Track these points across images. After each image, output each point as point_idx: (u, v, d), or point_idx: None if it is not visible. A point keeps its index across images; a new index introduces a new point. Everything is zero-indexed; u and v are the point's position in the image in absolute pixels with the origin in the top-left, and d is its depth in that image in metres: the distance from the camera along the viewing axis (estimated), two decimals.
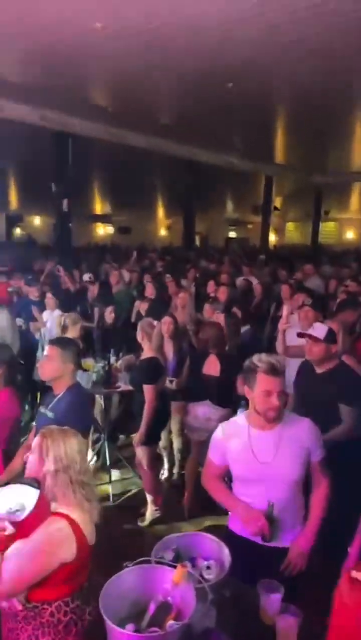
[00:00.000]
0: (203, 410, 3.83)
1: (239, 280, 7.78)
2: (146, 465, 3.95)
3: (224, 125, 11.41)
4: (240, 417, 2.35)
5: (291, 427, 2.22)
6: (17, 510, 1.74)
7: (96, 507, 1.89)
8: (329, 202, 22.29)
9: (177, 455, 4.78)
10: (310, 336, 3.10)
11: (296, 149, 15.21)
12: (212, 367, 3.90)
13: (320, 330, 3.08)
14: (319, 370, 3.14)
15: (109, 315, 5.51)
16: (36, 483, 1.83)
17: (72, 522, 1.78)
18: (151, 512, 3.99)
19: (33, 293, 6.31)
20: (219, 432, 2.33)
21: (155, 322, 4.19)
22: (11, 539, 1.79)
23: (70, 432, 1.94)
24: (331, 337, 3.07)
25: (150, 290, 6.50)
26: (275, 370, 2.13)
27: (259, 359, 2.18)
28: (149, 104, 9.63)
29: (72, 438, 1.90)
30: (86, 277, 7.65)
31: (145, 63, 7.20)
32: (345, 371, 3.14)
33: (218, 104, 9.35)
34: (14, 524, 1.79)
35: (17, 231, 24.12)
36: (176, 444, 4.74)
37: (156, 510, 4.00)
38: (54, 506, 1.84)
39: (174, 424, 4.66)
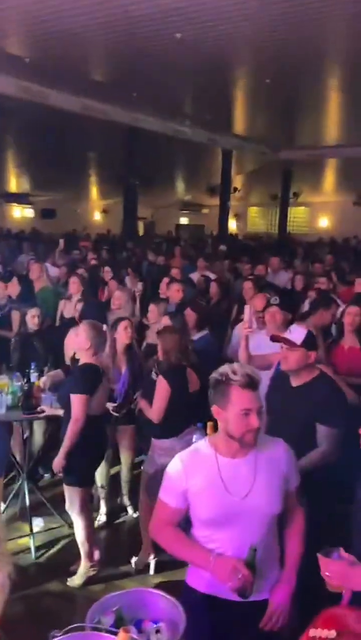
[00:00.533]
0: (183, 442, 3.66)
1: (194, 276, 7.86)
2: (77, 511, 3.89)
3: (173, 85, 11.54)
4: (202, 444, 2.32)
5: (266, 450, 2.24)
6: None
7: (7, 569, 1.81)
8: (299, 184, 23.03)
9: (128, 491, 4.85)
10: (286, 341, 3.10)
11: (260, 117, 15.61)
12: (194, 381, 3.92)
13: (297, 333, 3.11)
14: (295, 382, 3.16)
15: (32, 319, 5.39)
16: None
17: None
18: (84, 568, 3.93)
19: None
20: (176, 466, 2.27)
21: (104, 327, 4.14)
22: None
23: None
24: (310, 342, 3.10)
25: (74, 288, 6.44)
26: (253, 384, 2.13)
27: (232, 371, 2.14)
28: (78, 54, 9.59)
29: None
30: None
31: (73, 2, 7.18)
32: (326, 384, 3.18)
33: (163, 59, 9.46)
34: None
35: None
36: (126, 476, 4.82)
37: (92, 566, 3.95)
38: None
39: (123, 455, 4.71)
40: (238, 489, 2.17)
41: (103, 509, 4.78)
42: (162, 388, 3.82)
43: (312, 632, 1.22)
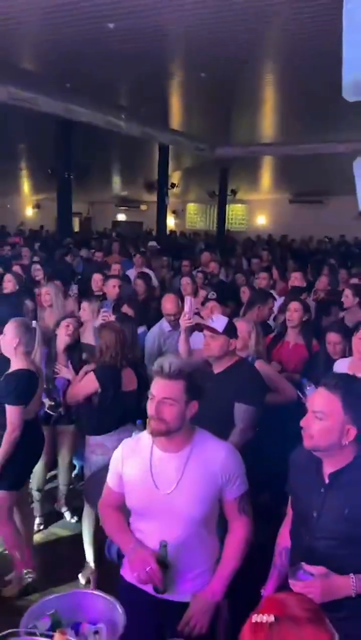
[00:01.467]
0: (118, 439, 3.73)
1: (131, 273, 7.86)
2: (4, 518, 3.76)
3: (108, 77, 11.47)
4: (143, 436, 2.35)
5: (203, 451, 2.24)
6: None
7: None
8: (237, 180, 23.40)
9: (65, 494, 4.84)
10: (209, 328, 3.27)
11: (196, 113, 15.73)
12: (129, 381, 3.93)
13: (219, 321, 3.27)
14: (217, 369, 3.31)
15: None
16: None
17: None
18: (18, 577, 3.85)
19: None
20: (118, 451, 2.36)
21: (33, 324, 4.03)
22: None
23: None
24: (231, 329, 3.27)
25: (10, 285, 6.29)
26: (162, 372, 2.16)
27: (157, 361, 2.22)
28: (7, 41, 9.36)
29: None
30: None
31: None
32: (244, 367, 3.35)
33: (96, 49, 9.38)
34: None
35: None
36: (64, 478, 4.81)
37: (27, 573, 3.86)
38: None
39: (62, 457, 4.71)
40: (165, 483, 2.20)
41: (38, 512, 4.71)
42: (89, 382, 3.86)
43: (254, 617, 1.24)
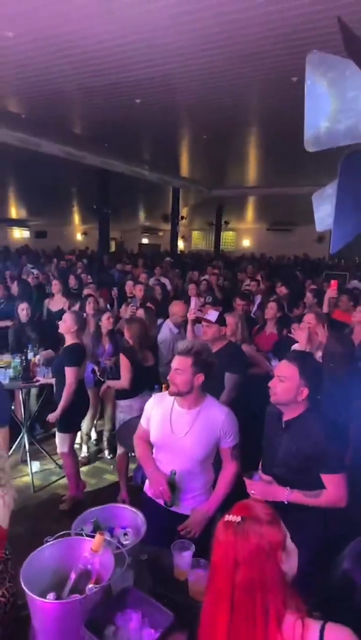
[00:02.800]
0: (141, 401, 3.67)
1: (152, 281, 7.84)
2: (66, 452, 3.83)
3: (134, 138, 11.43)
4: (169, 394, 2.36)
5: (209, 411, 2.24)
6: None
7: (10, 492, 1.79)
8: (229, 213, 23.27)
9: (108, 439, 4.84)
10: (205, 319, 3.33)
11: (199, 164, 15.65)
12: (149, 358, 3.92)
13: (212, 315, 3.32)
14: (213, 349, 3.30)
15: (22, 311, 5.26)
16: None
17: None
18: (71, 496, 3.89)
19: None
20: (150, 401, 2.39)
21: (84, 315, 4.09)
22: None
23: None
24: (221, 320, 3.32)
25: (55, 288, 6.28)
26: (180, 351, 2.20)
27: (179, 343, 2.27)
28: (62, 113, 9.34)
29: None
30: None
31: (56, 72, 6.97)
32: (231, 347, 3.39)
33: (127, 118, 9.34)
34: None
35: None
36: (108, 428, 4.82)
37: (77, 494, 3.91)
38: None
39: (106, 412, 4.74)
40: (179, 429, 2.22)
41: (85, 451, 4.73)
42: (124, 363, 3.81)
43: (226, 517, 1.24)
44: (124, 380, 3.81)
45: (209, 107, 8.37)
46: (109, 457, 4.77)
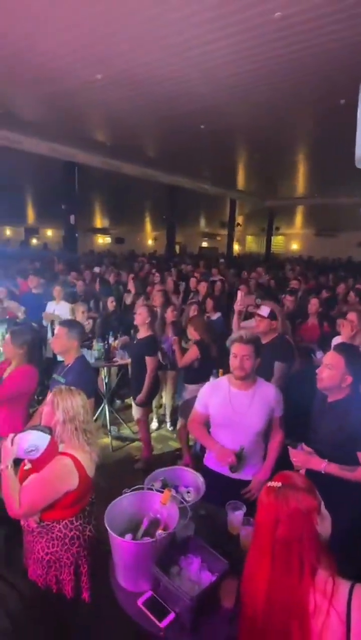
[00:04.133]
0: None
1: (211, 280, 7.79)
2: (142, 422, 3.93)
3: (198, 158, 11.38)
4: (222, 380, 2.35)
5: (261, 390, 2.24)
6: (32, 451, 1.76)
7: (95, 450, 1.90)
8: (279, 220, 22.50)
9: (170, 413, 4.84)
10: (258, 314, 3.23)
11: (253, 179, 15.27)
12: (213, 351, 3.83)
13: (264, 310, 3.21)
14: (264, 340, 3.23)
15: (110, 304, 5.46)
16: (48, 430, 1.84)
17: (75, 460, 1.80)
18: (144, 458, 3.97)
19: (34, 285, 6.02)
20: (206, 388, 2.36)
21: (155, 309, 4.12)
22: (28, 473, 1.83)
23: (75, 391, 1.94)
24: (272, 315, 3.19)
25: (131, 285, 6.43)
26: (241, 339, 2.18)
27: (237, 333, 2.23)
28: (139, 140, 9.52)
29: (77, 395, 1.91)
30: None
31: (134, 107, 7.11)
32: (281, 340, 3.27)
33: (193, 142, 9.31)
34: (30, 461, 1.82)
35: (34, 241, 23.63)
36: (169, 404, 4.80)
37: (149, 456, 3.99)
38: (61, 447, 1.86)
39: (167, 390, 4.70)
40: (240, 408, 2.21)
41: (155, 421, 4.84)
42: (193, 352, 3.77)
43: (268, 484, 1.24)
44: (182, 361, 3.78)
45: (263, 128, 8.14)
46: (170, 428, 4.81)
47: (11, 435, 1.79)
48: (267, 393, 2.24)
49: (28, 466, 1.83)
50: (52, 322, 5.53)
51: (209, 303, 5.07)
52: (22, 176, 12.56)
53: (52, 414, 1.86)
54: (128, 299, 6.16)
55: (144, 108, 7.14)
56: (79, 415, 1.86)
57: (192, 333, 3.87)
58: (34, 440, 1.75)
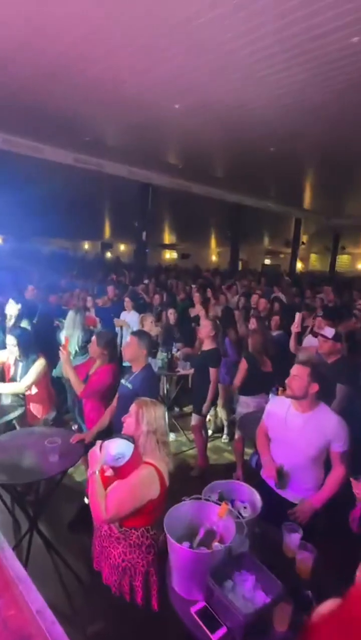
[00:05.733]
0: (256, 400, 3.62)
1: (273, 297, 7.62)
2: (199, 430, 3.93)
3: (265, 179, 11.27)
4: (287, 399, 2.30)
5: (319, 417, 2.13)
6: (119, 458, 1.78)
7: (171, 460, 1.93)
8: (345, 239, 21.38)
9: (225, 423, 4.78)
10: (322, 335, 3.12)
11: (320, 197, 14.72)
12: (267, 365, 3.79)
13: (329, 331, 3.12)
14: (329, 360, 3.12)
15: (171, 315, 5.53)
16: (131, 438, 1.87)
17: (157, 470, 1.82)
18: (199, 466, 3.96)
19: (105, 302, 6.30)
20: (270, 402, 2.38)
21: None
22: (110, 479, 1.86)
23: (157, 403, 1.96)
24: (337, 337, 3.09)
25: (197, 299, 6.45)
26: (299, 360, 2.13)
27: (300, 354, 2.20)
28: (208, 162, 9.69)
29: (159, 408, 1.94)
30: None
31: (207, 132, 7.27)
32: (344, 361, 3.13)
33: (261, 164, 9.26)
34: (114, 468, 1.84)
35: (108, 254, 24.96)
36: (223, 415, 4.75)
37: (204, 465, 3.97)
38: (144, 457, 1.88)
39: (220, 401, 4.66)
40: (293, 429, 2.14)
41: (210, 430, 4.76)
42: (242, 365, 3.73)
43: None
44: (237, 378, 3.75)
45: (333, 147, 7.84)
46: (225, 440, 4.72)
47: (99, 441, 1.85)
48: (325, 422, 2.10)
49: (109, 473, 1.86)
50: (120, 328, 5.80)
51: (275, 320, 4.95)
52: (101, 196, 13.39)
53: (136, 425, 1.89)
54: (193, 312, 6.22)
55: (216, 133, 7.28)
56: (161, 427, 1.90)
57: (250, 345, 3.83)
58: (121, 448, 1.78)
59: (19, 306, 4.95)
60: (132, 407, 1.96)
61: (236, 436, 3.94)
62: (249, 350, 3.83)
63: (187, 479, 3.81)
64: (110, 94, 5.74)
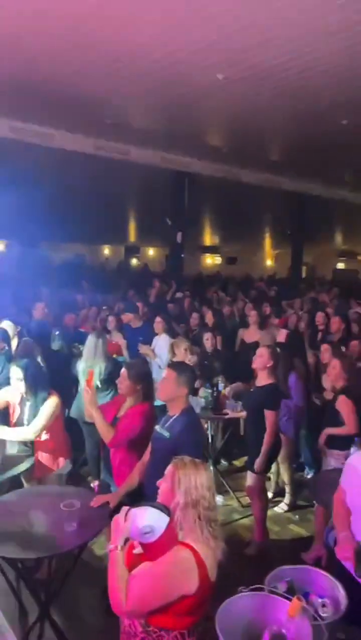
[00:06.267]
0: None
1: (351, 313, 7.45)
2: (257, 493, 3.86)
3: (336, 159, 11.18)
4: None
5: None
6: (147, 533, 1.75)
7: (220, 545, 1.85)
8: None
9: (287, 488, 4.66)
10: None
11: None
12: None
13: None
14: None
15: (206, 341, 5.43)
16: (167, 509, 1.83)
17: (196, 555, 1.76)
18: (257, 542, 3.87)
19: (134, 322, 6.14)
20: (352, 457, 2.33)
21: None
22: (138, 558, 1.84)
23: (201, 466, 1.92)
24: None
25: (253, 319, 6.34)
26: None
27: None
28: (262, 142, 9.82)
29: (203, 473, 1.89)
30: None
31: (259, 105, 7.40)
32: None
33: (331, 141, 9.23)
34: (142, 545, 1.81)
35: (134, 261, 25.59)
36: (285, 476, 4.63)
37: (263, 540, 3.88)
38: (181, 535, 1.82)
39: (281, 455, 4.53)
40: None
41: (270, 494, 4.65)
42: (347, 405, 3.59)
43: None
44: (350, 425, 3.56)
45: None
46: (285, 508, 4.58)
47: (125, 508, 1.83)
48: None
49: (138, 550, 1.83)
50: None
51: (354, 346, 4.82)
52: (126, 190, 13.87)
53: (172, 492, 1.86)
54: (248, 336, 6.15)
55: (271, 105, 7.39)
56: (204, 500, 1.83)
57: (332, 379, 3.75)
58: (151, 520, 1.75)
59: (18, 328, 5.12)
60: (168, 469, 1.94)
61: (316, 502, 3.82)
62: (324, 385, 3.75)
63: (241, 560, 3.69)
64: (136, 64, 6.00)
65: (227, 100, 7.20)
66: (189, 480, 1.84)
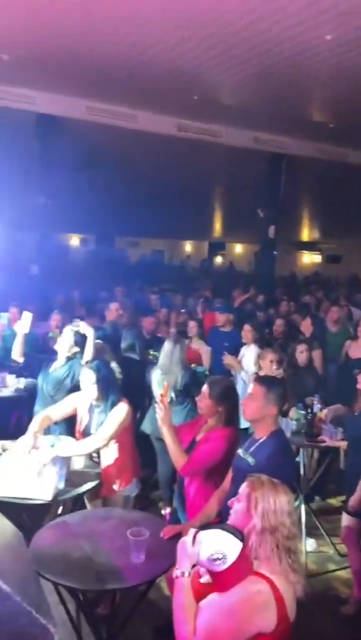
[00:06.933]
0: None
1: None
2: (352, 540, 3.71)
3: None
4: None
5: None
6: (218, 559, 1.75)
7: (301, 580, 1.83)
8: None
9: None
10: None
11: None
12: None
13: None
14: None
15: (300, 354, 5.35)
16: (240, 534, 1.83)
17: (274, 588, 1.76)
18: (356, 598, 3.70)
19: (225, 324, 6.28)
20: None
21: None
22: (206, 588, 1.85)
23: (281, 488, 1.92)
24: None
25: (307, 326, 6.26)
26: None
27: None
28: (314, 110, 9.52)
29: (283, 495, 1.89)
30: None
31: None
32: None
33: None
34: (211, 573, 1.82)
35: (219, 259, 25.73)
36: None
37: None
38: (256, 564, 1.83)
39: None
40: None
41: None
42: None
43: None
44: None
45: None
46: None
47: (192, 530, 1.87)
48: None
49: (206, 579, 1.85)
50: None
51: None
52: (210, 177, 13.92)
53: (247, 515, 1.87)
54: (354, 351, 5.96)
55: None
56: (284, 527, 1.83)
57: None
58: (222, 545, 1.76)
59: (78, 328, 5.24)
60: (243, 488, 1.94)
61: None
62: None
63: (335, 619, 3.60)
64: (224, 30, 6.03)
65: (334, 66, 7.02)
66: (268, 502, 1.84)
